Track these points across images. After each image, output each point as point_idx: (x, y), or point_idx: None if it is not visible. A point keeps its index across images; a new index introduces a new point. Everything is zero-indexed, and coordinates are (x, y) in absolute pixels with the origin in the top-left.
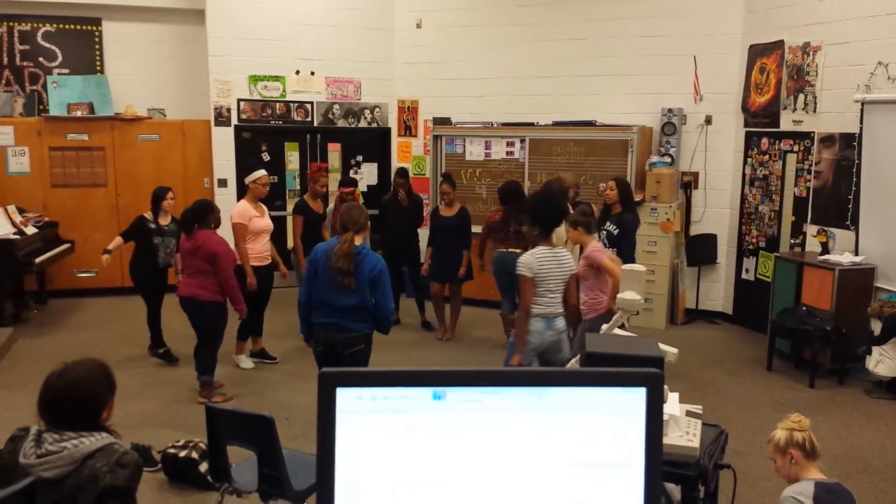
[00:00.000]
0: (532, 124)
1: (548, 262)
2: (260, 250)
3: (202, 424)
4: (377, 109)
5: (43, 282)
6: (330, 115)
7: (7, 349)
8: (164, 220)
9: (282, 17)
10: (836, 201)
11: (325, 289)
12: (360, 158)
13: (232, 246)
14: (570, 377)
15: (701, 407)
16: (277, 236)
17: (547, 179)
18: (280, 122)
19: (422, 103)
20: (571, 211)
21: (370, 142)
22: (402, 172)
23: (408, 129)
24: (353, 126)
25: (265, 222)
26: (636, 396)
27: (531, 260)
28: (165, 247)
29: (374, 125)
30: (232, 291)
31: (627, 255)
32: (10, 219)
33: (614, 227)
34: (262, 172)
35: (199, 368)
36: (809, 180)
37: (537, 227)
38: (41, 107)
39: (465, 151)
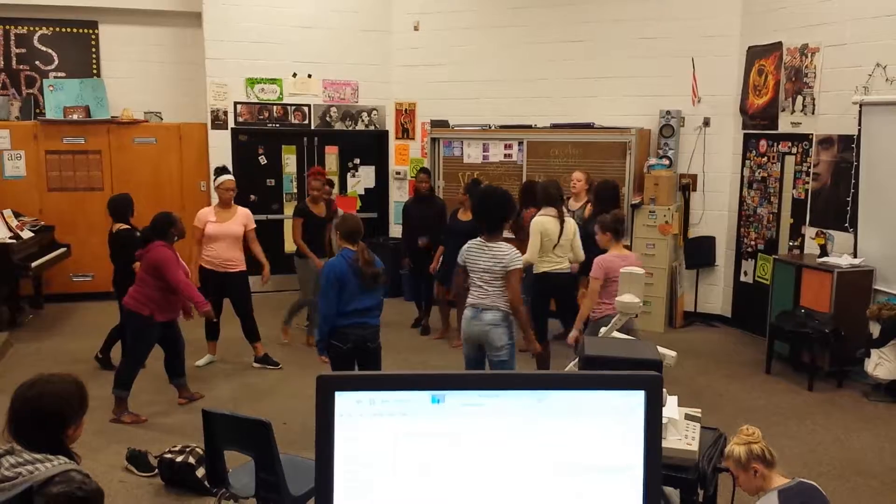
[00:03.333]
0: (530, 126)
1: (475, 254)
2: (213, 255)
3: (199, 429)
4: (374, 112)
5: (39, 286)
6: (327, 118)
7: (3, 354)
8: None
9: (279, 19)
10: (835, 203)
11: (353, 297)
12: (357, 161)
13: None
14: (569, 380)
15: (700, 410)
16: (275, 239)
17: (544, 180)
18: (277, 125)
19: (419, 106)
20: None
21: (368, 144)
22: (425, 170)
23: (405, 132)
24: (350, 129)
25: (221, 228)
26: (635, 399)
27: (463, 249)
28: None
29: (372, 128)
30: (188, 293)
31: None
32: (6, 223)
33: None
34: (225, 177)
35: (114, 380)
36: (808, 182)
37: (481, 223)
38: (37, 110)
39: (462, 154)
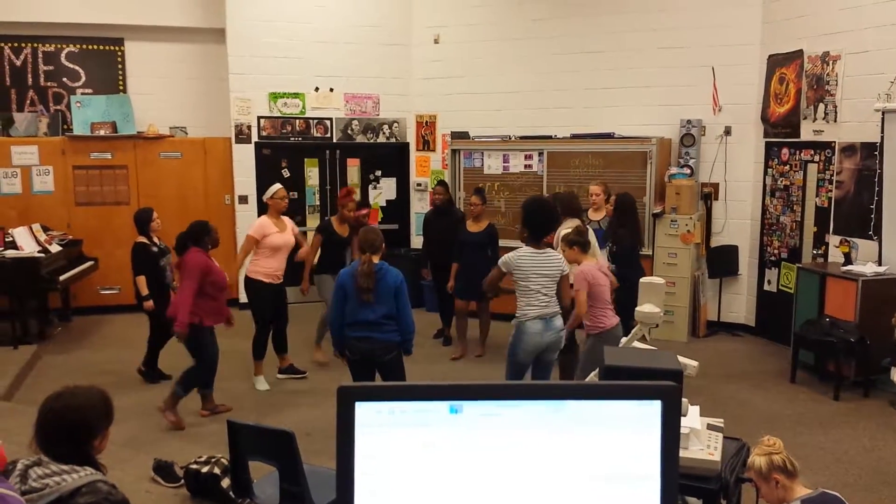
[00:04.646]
0: (550, 137)
1: (528, 260)
2: (275, 267)
3: (224, 440)
4: (395, 125)
5: (67, 299)
6: (349, 131)
7: (32, 366)
8: (156, 241)
9: (301, 34)
10: (859, 211)
11: (357, 307)
12: (378, 174)
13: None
14: (586, 390)
15: (722, 420)
16: (298, 251)
17: (562, 193)
18: (300, 139)
19: (440, 118)
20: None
21: (389, 157)
22: (442, 183)
23: (426, 144)
24: (371, 141)
25: (283, 238)
26: (651, 409)
27: (511, 257)
28: (169, 266)
29: (393, 140)
30: (180, 305)
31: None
32: (35, 237)
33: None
34: (278, 186)
35: (179, 379)
36: (831, 190)
37: (527, 232)
38: (65, 126)
39: (483, 165)
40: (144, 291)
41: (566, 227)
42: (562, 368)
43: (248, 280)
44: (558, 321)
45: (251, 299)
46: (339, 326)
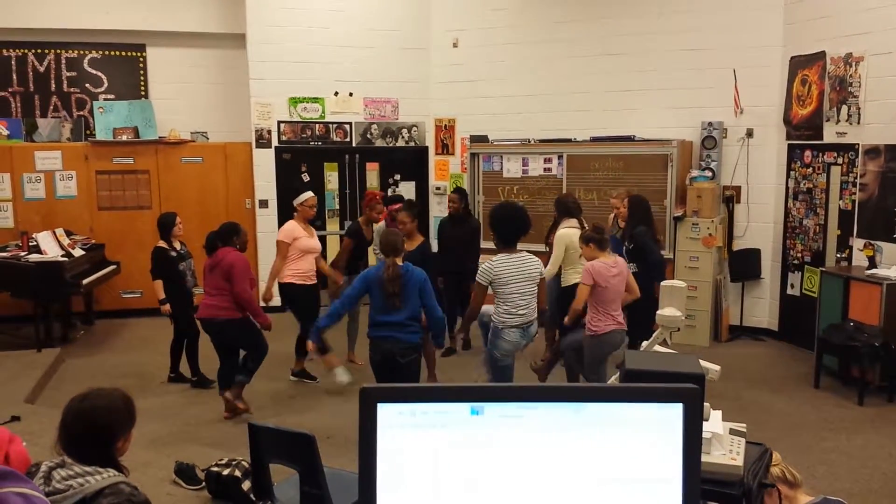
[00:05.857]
0: (570, 140)
1: (508, 267)
2: (306, 269)
3: (245, 443)
4: (414, 128)
5: (90, 302)
6: (368, 135)
7: (55, 369)
8: (178, 246)
9: (320, 39)
10: (883, 214)
11: (382, 309)
12: (397, 177)
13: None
14: (607, 393)
15: (745, 425)
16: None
17: (560, 195)
18: (319, 143)
19: (459, 121)
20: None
21: (408, 160)
22: (459, 190)
23: (445, 148)
24: (390, 145)
25: (312, 242)
26: (673, 412)
27: (489, 267)
28: (189, 270)
29: (412, 144)
30: (249, 304)
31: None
32: (59, 241)
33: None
34: (309, 194)
35: (239, 369)
36: (854, 193)
37: (496, 238)
38: (88, 132)
39: (502, 168)
40: (161, 295)
41: (564, 227)
42: (567, 368)
43: (284, 286)
44: (534, 328)
45: (294, 302)
46: (337, 317)
